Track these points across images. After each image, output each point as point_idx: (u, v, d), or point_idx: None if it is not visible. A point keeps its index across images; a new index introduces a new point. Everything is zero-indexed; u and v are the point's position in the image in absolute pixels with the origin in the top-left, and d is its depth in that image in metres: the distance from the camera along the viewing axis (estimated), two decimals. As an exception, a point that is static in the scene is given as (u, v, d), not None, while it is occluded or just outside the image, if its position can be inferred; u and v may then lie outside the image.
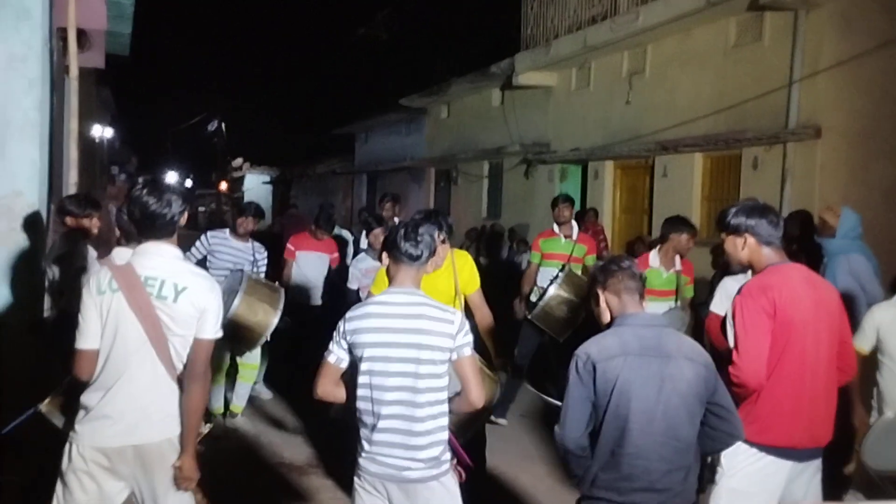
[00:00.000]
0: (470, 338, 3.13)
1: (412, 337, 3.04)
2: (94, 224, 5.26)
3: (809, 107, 8.78)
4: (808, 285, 3.33)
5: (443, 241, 4.26)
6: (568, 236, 7.21)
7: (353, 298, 6.44)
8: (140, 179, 3.33)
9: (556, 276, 6.49)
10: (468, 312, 4.52)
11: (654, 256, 6.18)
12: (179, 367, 3.09)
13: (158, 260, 3.06)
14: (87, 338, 2.99)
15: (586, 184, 13.52)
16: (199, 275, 3.16)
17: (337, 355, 3.13)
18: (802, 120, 8.83)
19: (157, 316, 2.99)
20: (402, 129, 21.76)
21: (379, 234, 7.13)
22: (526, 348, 6.96)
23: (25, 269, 5.61)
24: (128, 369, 3.00)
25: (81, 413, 3.04)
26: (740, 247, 3.38)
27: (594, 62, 12.82)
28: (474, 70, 15.77)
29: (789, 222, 5.50)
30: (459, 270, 4.51)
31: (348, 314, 3.15)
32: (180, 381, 3.08)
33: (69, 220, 5.29)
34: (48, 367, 4.46)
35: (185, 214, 3.15)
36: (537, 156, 14.41)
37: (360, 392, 3.09)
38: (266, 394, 7.63)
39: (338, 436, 4.11)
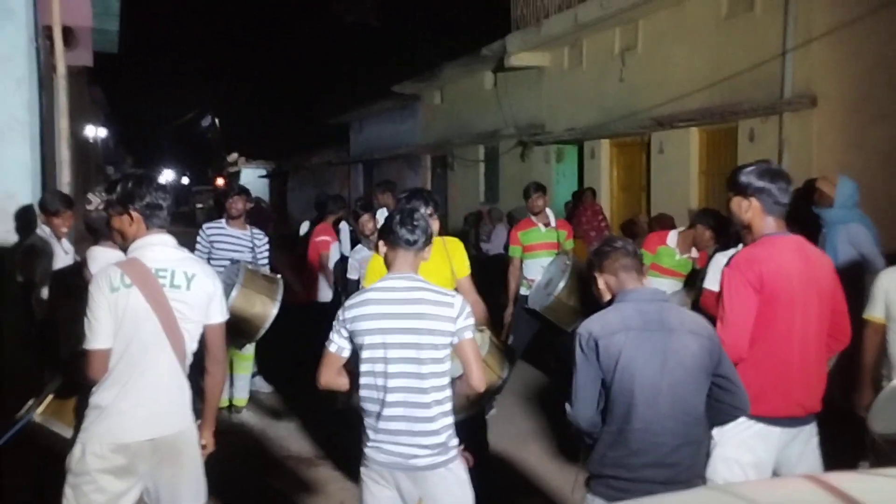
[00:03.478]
0: (471, 321, 3.10)
1: (412, 322, 3.01)
2: (63, 222, 5.20)
3: (804, 76, 8.71)
4: (799, 258, 3.28)
5: (430, 215, 4.22)
6: (547, 224, 7.07)
7: (354, 288, 6.41)
8: (127, 174, 3.35)
9: (563, 267, 6.34)
10: None
11: (672, 235, 6.13)
12: (190, 357, 3.14)
13: (163, 250, 3.11)
14: (100, 337, 2.97)
15: (583, 163, 13.46)
16: (200, 262, 3.30)
17: (338, 344, 3.10)
18: (797, 89, 8.76)
19: (172, 307, 3.04)
20: (397, 117, 21.66)
21: (366, 220, 7.05)
22: (523, 337, 6.83)
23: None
24: (143, 363, 3.01)
25: (94, 413, 3.02)
26: (745, 209, 3.33)
27: (586, 40, 12.73)
28: (466, 54, 15.67)
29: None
30: (451, 255, 4.48)
31: (347, 302, 3.13)
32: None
33: (41, 218, 5.25)
34: (40, 374, 4.43)
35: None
36: (532, 137, 14.34)
37: (363, 380, 3.06)
38: (265, 388, 7.58)
39: (346, 427, 4.08)
